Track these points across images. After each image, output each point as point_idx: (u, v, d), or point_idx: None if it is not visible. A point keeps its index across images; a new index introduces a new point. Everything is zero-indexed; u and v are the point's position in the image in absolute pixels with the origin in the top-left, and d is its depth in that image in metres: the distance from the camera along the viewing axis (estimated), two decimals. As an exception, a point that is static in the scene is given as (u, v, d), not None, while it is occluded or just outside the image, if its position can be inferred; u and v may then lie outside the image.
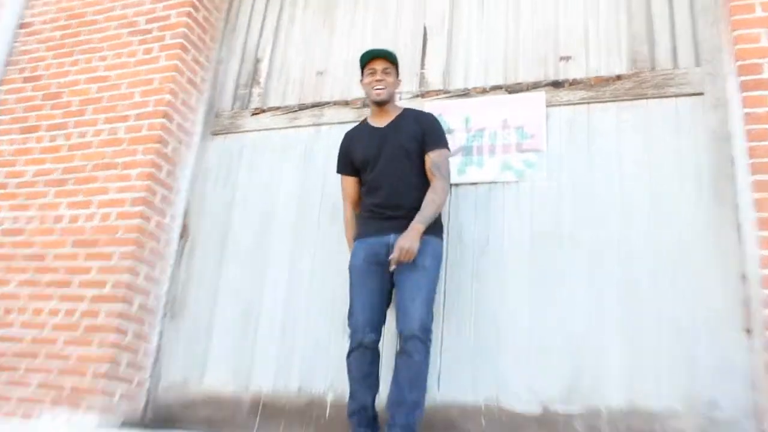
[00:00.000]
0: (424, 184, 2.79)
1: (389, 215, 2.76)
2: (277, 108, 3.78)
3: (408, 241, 2.60)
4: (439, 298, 3.02)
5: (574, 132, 3.17)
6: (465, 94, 3.43)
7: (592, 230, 2.98)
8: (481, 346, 2.95)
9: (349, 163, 2.94)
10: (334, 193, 3.35)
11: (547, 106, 3.24)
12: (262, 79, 3.92)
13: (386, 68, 2.86)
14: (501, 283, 3.03)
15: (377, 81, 2.83)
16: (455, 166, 3.27)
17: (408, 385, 2.51)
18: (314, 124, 3.66)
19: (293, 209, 3.52)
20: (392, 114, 2.91)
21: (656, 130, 3.05)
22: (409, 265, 2.64)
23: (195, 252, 3.65)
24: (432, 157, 2.79)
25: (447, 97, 3.43)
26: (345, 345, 2.81)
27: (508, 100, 3.32)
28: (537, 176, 3.15)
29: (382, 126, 2.88)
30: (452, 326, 3.02)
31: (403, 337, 2.56)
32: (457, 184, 3.25)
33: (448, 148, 2.86)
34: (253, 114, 3.83)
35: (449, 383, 2.92)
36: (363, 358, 2.64)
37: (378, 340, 2.67)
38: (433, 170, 2.78)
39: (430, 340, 2.59)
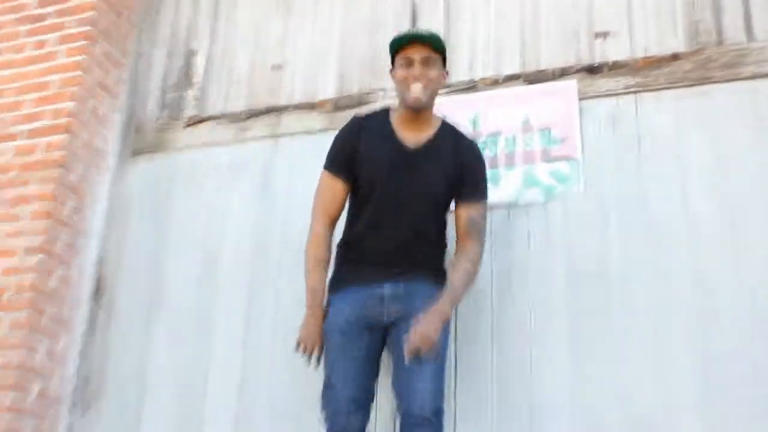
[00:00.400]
0: (442, 239, 2.83)
1: (389, 262, 2.74)
2: (220, 116, 3.79)
3: (432, 327, 2.50)
4: (448, 365, 2.93)
5: (619, 132, 3.17)
6: (470, 87, 3.44)
7: (649, 264, 2.96)
8: (506, 430, 2.92)
9: (346, 161, 2.81)
10: (302, 225, 3.26)
11: (580, 99, 3.24)
12: (197, 78, 3.93)
13: (428, 57, 2.73)
14: (530, 341, 3.01)
15: (415, 77, 2.71)
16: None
17: None
18: (271, 135, 3.66)
19: (247, 250, 3.51)
20: (429, 128, 2.81)
21: (728, 123, 3.05)
22: (410, 319, 2.63)
23: (115, 315, 3.63)
24: (470, 213, 2.76)
25: (446, 93, 3.42)
26: (322, 433, 2.77)
27: (529, 94, 3.33)
28: (572, 193, 3.14)
29: (413, 146, 2.77)
30: (468, 404, 3.01)
31: (410, 421, 2.55)
32: None
33: (487, 199, 2.83)
34: (187, 125, 3.83)
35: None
36: None
37: (366, 424, 2.65)
38: (469, 230, 2.74)
39: (442, 425, 2.57)
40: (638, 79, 3.19)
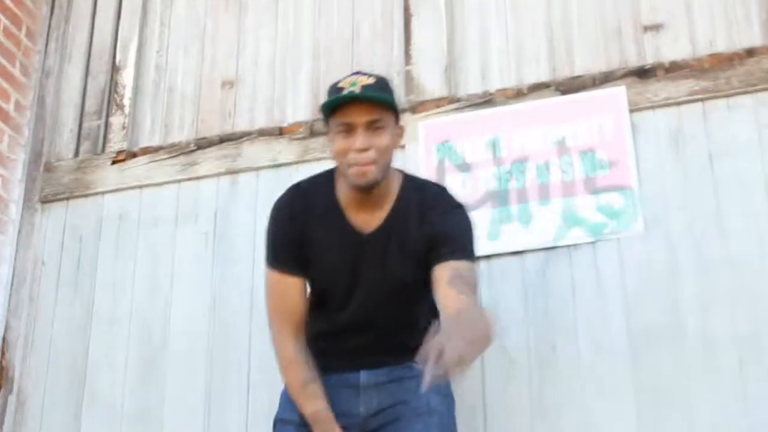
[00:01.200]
0: (429, 313, 2.73)
1: (367, 353, 2.74)
2: (158, 148, 3.77)
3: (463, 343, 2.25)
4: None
5: (684, 150, 3.19)
6: (485, 101, 3.43)
7: (735, 319, 2.95)
8: None
9: (294, 253, 2.72)
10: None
11: (631, 111, 3.25)
12: (125, 101, 3.91)
13: (375, 120, 2.58)
14: (585, 426, 2.98)
15: (359, 151, 2.57)
16: (483, 226, 3.21)
17: None
18: (227, 172, 3.64)
19: (201, 324, 3.48)
20: (385, 201, 2.68)
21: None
22: (403, 409, 2.65)
23: (27, 414, 3.55)
24: (452, 266, 2.54)
25: (455, 109, 3.45)
26: None
27: (563, 107, 3.33)
28: (628, 232, 3.14)
29: (368, 231, 2.67)
30: None
31: None
32: (488, 256, 3.22)
33: (475, 263, 2.68)
34: (114, 161, 3.80)
35: None
36: None
37: None
38: (454, 283, 2.51)
39: None
40: (705, 83, 3.19)
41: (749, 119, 3.14)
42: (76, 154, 3.88)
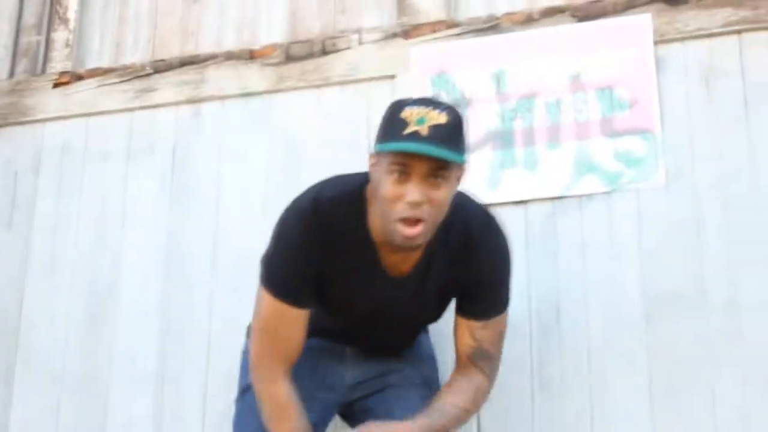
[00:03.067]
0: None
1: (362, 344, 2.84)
2: (109, 70, 3.76)
3: None
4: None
5: (715, 90, 3.17)
6: (490, 27, 3.41)
7: (763, 284, 2.98)
8: None
9: (306, 287, 2.63)
10: (238, 236, 3.36)
11: (656, 43, 3.22)
12: (71, 13, 3.89)
13: (438, 172, 2.44)
14: (590, 396, 3.03)
15: (411, 207, 2.43)
16: (483, 172, 3.26)
17: None
18: (189, 100, 3.63)
19: (156, 278, 3.49)
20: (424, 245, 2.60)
21: None
22: (394, 378, 2.78)
23: None
24: (477, 333, 2.66)
25: (454, 35, 3.43)
26: None
27: (579, 36, 3.32)
28: (648, 182, 3.15)
29: (398, 274, 2.64)
30: None
31: None
32: (486, 205, 3.14)
33: (507, 310, 2.74)
34: (57, 84, 3.79)
35: None
36: None
37: None
38: (474, 358, 2.66)
39: None
40: (744, 12, 3.16)
41: (793, 54, 3.05)
42: (11, 74, 3.87)
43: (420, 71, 3.41)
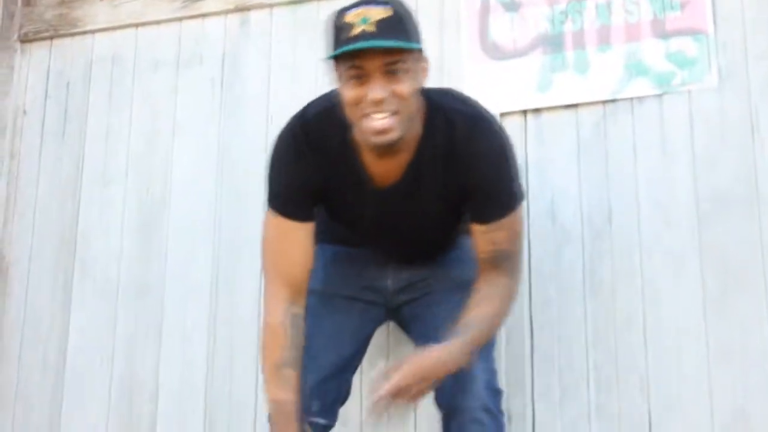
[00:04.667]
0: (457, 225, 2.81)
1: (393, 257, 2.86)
2: None
3: (429, 366, 2.47)
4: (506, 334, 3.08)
5: None
6: None
7: None
8: (612, 428, 3.00)
9: (304, 198, 2.68)
10: None
11: None
12: None
13: (393, 63, 2.42)
14: (642, 299, 3.04)
15: (375, 104, 2.42)
16: (534, 75, 3.26)
17: None
18: (236, 9, 3.63)
19: (207, 186, 3.52)
20: (408, 146, 2.60)
21: None
22: (440, 283, 2.77)
23: (9, 284, 3.65)
24: (491, 237, 2.62)
25: None
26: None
27: None
28: (701, 83, 3.13)
29: (386, 183, 2.63)
30: (551, 399, 3.07)
31: (457, 414, 2.64)
32: (537, 110, 3.25)
33: (520, 205, 2.68)
34: None
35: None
36: None
37: (329, 429, 2.74)
38: (492, 262, 2.63)
39: (502, 413, 2.67)
40: None
41: None
42: (60, -14, 3.71)
43: (468, -26, 3.29)
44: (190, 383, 3.35)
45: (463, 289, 2.67)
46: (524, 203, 2.67)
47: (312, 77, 3.46)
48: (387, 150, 2.50)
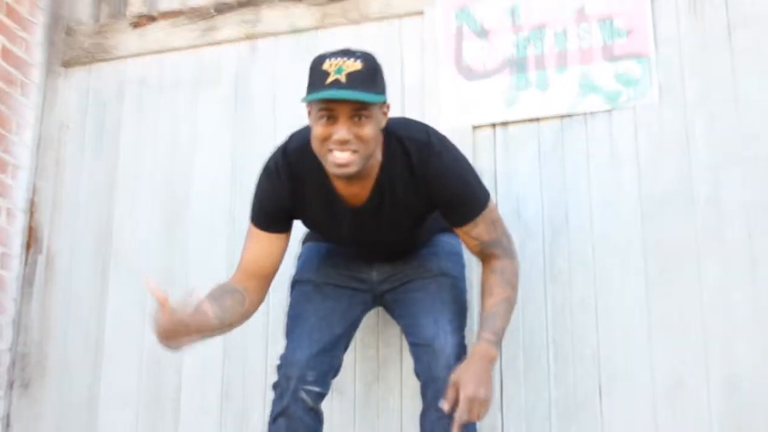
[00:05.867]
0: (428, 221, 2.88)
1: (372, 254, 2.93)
2: (178, 13, 3.78)
3: (482, 384, 2.51)
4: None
5: (703, 20, 3.16)
6: None
7: (746, 187, 3.01)
8: (568, 398, 3.04)
9: (278, 219, 2.75)
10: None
11: None
12: None
13: (360, 112, 2.48)
14: (596, 287, 3.08)
15: (340, 144, 2.47)
16: (501, 93, 3.29)
17: None
18: (247, 37, 3.67)
19: (223, 188, 3.57)
20: (371, 170, 2.64)
21: None
22: (418, 273, 2.84)
23: (55, 272, 3.69)
24: (472, 234, 2.69)
25: None
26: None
27: None
28: (643, 100, 3.17)
29: (356, 204, 2.69)
30: (516, 370, 3.11)
31: (432, 382, 2.66)
32: (504, 123, 3.29)
33: (487, 202, 2.71)
34: (135, 26, 3.82)
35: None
36: (296, 426, 2.69)
37: (323, 397, 2.74)
38: (487, 251, 2.70)
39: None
40: (728, -51, 3.17)
41: (771, -12, 3.15)
42: (96, 18, 3.90)
43: (444, 7, 3.44)
44: (210, 357, 3.38)
45: (437, 277, 2.82)
46: (492, 197, 2.73)
47: (311, 95, 3.47)
48: (350, 178, 2.58)
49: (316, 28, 3.55)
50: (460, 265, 2.93)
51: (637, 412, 2.95)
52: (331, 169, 2.51)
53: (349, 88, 2.40)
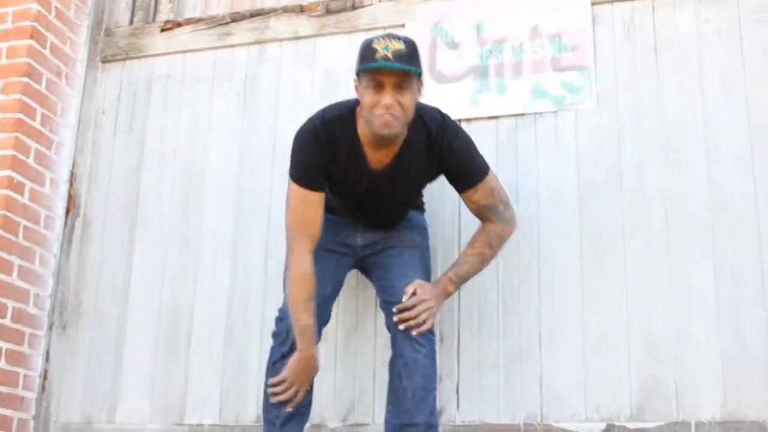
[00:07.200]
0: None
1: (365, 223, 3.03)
2: (199, 20, 3.89)
3: (434, 297, 2.72)
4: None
5: (634, 41, 3.27)
6: None
7: (666, 180, 3.11)
8: (514, 348, 3.14)
9: (320, 176, 2.79)
10: (290, 140, 3.29)
11: (593, 4, 3.33)
12: None
13: (402, 81, 2.63)
14: (539, 257, 3.19)
15: (387, 107, 2.61)
16: (466, 95, 3.39)
17: (415, 400, 2.68)
18: (256, 42, 3.77)
19: (232, 167, 3.68)
20: (395, 143, 2.77)
21: (753, 36, 3.10)
22: (395, 242, 2.94)
23: (91, 234, 3.80)
24: (473, 199, 2.82)
25: None
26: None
27: None
28: (583, 104, 3.26)
29: (379, 167, 2.79)
30: (472, 323, 3.20)
31: (400, 334, 2.74)
32: (468, 119, 3.38)
33: (486, 173, 2.83)
34: (163, 30, 3.93)
35: (472, 399, 3.14)
36: None
37: (317, 341, 2.85)
38: (484, 215, 2.84)
39: (434, 335, 2.81)
40: (654, -16, 3.43)
41: (690, 17, 3.17)
42: (131, 22, 4.00)
43: (422, 22, 3.53)
44: (216, 308, 3.47)
45: (410, 247, 2.94)
46: (492, 171, 2.82)
47: (308, 92, 3.57)
48: (383, 142, 2.73)
49: (315, 36, 3.64)
50: (427, 239, 3.06)
51: (570, 362, 3.01)
52: (378, 130, 2.65)
53: (396, 61, 2.58)
